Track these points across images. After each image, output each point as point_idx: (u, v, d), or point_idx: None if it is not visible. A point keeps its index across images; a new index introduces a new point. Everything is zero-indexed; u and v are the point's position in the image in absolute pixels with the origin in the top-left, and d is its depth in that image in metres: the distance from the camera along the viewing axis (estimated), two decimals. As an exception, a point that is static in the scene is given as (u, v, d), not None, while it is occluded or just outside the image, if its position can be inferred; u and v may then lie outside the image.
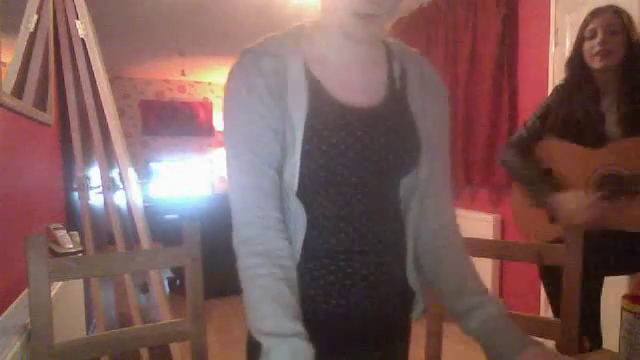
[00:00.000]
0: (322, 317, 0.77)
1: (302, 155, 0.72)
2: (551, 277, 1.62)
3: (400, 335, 0.88)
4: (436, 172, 0.82)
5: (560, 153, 1.64)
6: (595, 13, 1.57)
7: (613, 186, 1.50)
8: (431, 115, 0.82)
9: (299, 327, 0.66)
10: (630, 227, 1.48)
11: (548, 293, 1.70)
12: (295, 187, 0.73)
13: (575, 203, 1.52)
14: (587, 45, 1.56)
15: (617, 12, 1.54)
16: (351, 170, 0.74)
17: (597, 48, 1.52)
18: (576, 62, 1.61)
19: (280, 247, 0.73)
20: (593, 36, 1.54)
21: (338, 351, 0.79)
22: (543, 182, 1.62)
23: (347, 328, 0.78)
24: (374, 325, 0.80)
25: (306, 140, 0.72)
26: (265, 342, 0.65)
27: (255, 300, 0.69)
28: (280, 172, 0.74)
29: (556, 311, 1.62)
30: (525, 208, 1.76)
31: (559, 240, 1.59)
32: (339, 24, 0.73)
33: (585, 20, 1.59)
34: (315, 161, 0.72)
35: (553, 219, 1.64)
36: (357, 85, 0.78)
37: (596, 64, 1.53)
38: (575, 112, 1.59)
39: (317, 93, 0.75)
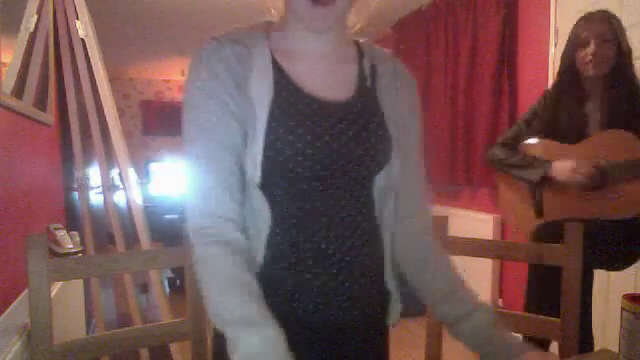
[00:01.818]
0: (289, 321, 0.71)
1: (265, 146, 0.68)
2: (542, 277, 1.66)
3: (376, 339, 0.84)
4: (409, 171, 0.80)
5: (542, 150, 1.68)
6: (587, 20, 1.59)
7: (597, 177, 1.54)
8: (402, 113, 0.80)
9: (267, 312, 0.62)
10: (613, 215, 1.53)
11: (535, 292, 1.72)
12: (257, 179, 0.69)
13: (570, 165, 1.56)
14: (580, 53, 1.59)
15: (609, 20, 1.56)
16: (320, 163, 0.70)
17: (589, 57, 1.55)
18: (567, 68, 1.65)
19: (237, 238, 0.69)
20: (586, 44, 1.57)
21: (306, 356, 0.74)
22: (533, 161, 1.67)
23: (316, 333, 0.75)
24: (347, 329, 0.76)
25: (270, 130, 0.68)
26: (232, 331, 0.61)
27: (217, 289, 0.65)
28: (242, 163, 0.71)
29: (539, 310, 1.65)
30: (512, 205, 1.82)
31: (539, 230, 1.67)
32: (296, 14, 0.72)
33: (577, 27, 1.62)
34: (280, 152, 0.69)
35: (539, 215, 1.69)
36: (326, 80, 0.76)
37: (589, 72, 1.57)
38: (559, 115, 1.64)
39: (283, 83, 0.72)
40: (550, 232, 1.65)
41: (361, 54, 0.81)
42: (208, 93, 0.70)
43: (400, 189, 0.80)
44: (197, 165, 0.70)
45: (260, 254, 0.73)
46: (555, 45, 2.58)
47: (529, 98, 2.79)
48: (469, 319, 0.74)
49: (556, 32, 2.57)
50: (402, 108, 0.80)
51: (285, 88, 0.72)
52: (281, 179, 0.71)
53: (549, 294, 1.66)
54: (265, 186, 0.71)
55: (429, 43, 3.68)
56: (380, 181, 0.77)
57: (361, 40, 0.84)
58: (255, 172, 0.69)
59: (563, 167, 1.57)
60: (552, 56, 2.60)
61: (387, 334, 0.87)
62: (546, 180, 1.63)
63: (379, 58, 0.82)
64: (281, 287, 0.73)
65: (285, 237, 0.72)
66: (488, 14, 3.00)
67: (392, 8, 3.76)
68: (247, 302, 0.63)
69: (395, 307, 0.83)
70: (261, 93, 0.70)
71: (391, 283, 0.82)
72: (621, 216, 1.52)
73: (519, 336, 0.85)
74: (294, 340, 0.63)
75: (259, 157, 0.68)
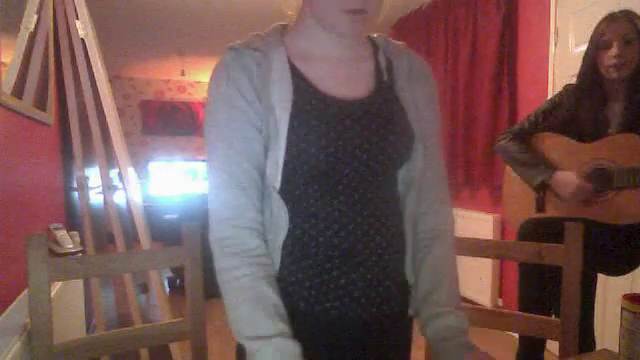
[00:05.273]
0: (315, 319, 0.74)
1: (288, 146, 0.69)
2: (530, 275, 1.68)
3: (400, 333, 0.85)
4: (430, 163, 0.80)
5: (553, 145, 1.66)
6: (609, 21, 1.52)
7: (601, 180, 1.52)
8: (421, 104, 0.80)
9: (282, 326, 0.65)
10: (614, 220, 1.51)
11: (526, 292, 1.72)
12: (278, 183, 0.70)
13: (572, 184, 1.54)
14: (602, 56, 1.52)
15: (631, 19, 1.50)
16: (342, 160, 0.71)
17: (613, 60, 1.48)
18: (589, 70, 1.58)
19: (256, 246, 0.71)
20: (608, 46, 1.50)
21: (333, 354, 0.76)
22: (540, 164, 1.64)
23: (340, 330, 0.76)
24: (372, 325, 0.77)
25: (292, 130, 0.69)
26: (249, 345, 0.64)
27: (235, 303, 0.68)
28: (261, 171, 0.72)
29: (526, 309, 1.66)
30: (512, 198, 1.79)
31: (532, 221, 1.67)
32: (328, 21, 0.72)
33: (599, 28, 1.54)
34: (303, 151, 0.69)
35: (541, 210, 1.67)
36: (343, 79, 0.77)
37: (612, 75, 1.51)
38: (579, 116, 1.59)
39: (302, 86, 0.73)
40: (532, 230, 1.66)
41: (376, 49, 0.82)
42: (229, 104, 0.72)
43: (422, 181, 0.80)
44: (219, 174, 0.73)
45: (277, 256, 0.74)
46: (555, 45, 2.58)
47: (529, 98, 2.79)
48: (435, 322, 0.76)
49: (556, 32, 2.57)
50: (420, 99, 0.80)
51: (304, 90, 0.73)
52: (303, 179, 0.72)
53: (536, 289, 1.67)
54: (285, 188, 0.72)
55: (429, 43, 3.68)
56: (404, 175, 0.78)
57: (374, 35, 0.84)
58: (276, 175, 0.70)
59: (564, 180, 1.56)
60: (552, 56, 2.60)
61: (411, 327, 0.87)
62: (545, 186, 1.61)
63: (394, 51, 0.82)
64: (309, 286, 0.74)
65: (315, 233, 0.73)
66: (488, 14, 3.00)
67: (392, 8, 3.76)
68: (263, 316, 0.65)
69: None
70: (282, 97, 0.71)
71: (411, 275, 0.82)
72: (619, 222, 1.49)
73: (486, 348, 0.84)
74: (315, 338, 0.66)
75: (281, 157, 0.69)
